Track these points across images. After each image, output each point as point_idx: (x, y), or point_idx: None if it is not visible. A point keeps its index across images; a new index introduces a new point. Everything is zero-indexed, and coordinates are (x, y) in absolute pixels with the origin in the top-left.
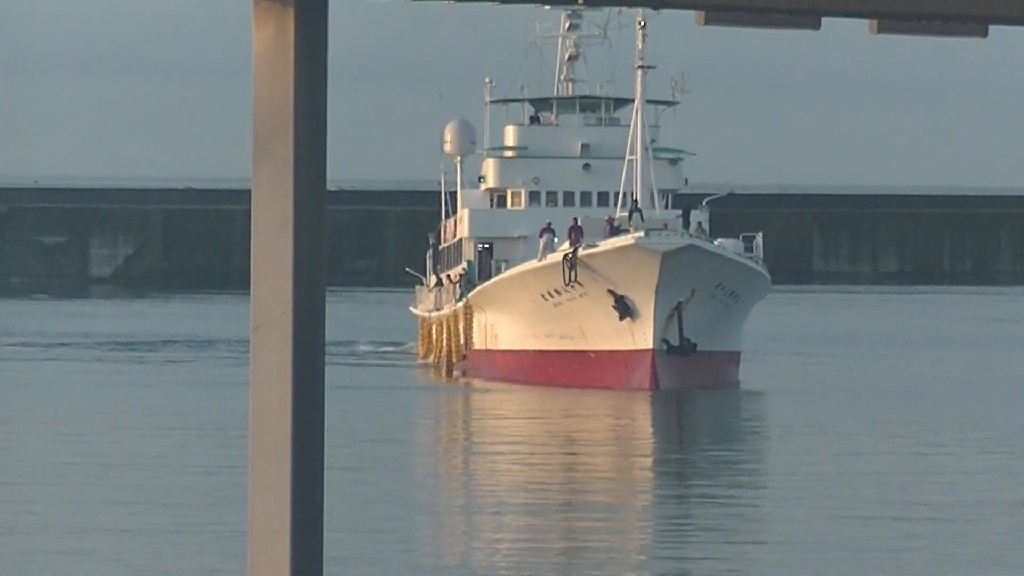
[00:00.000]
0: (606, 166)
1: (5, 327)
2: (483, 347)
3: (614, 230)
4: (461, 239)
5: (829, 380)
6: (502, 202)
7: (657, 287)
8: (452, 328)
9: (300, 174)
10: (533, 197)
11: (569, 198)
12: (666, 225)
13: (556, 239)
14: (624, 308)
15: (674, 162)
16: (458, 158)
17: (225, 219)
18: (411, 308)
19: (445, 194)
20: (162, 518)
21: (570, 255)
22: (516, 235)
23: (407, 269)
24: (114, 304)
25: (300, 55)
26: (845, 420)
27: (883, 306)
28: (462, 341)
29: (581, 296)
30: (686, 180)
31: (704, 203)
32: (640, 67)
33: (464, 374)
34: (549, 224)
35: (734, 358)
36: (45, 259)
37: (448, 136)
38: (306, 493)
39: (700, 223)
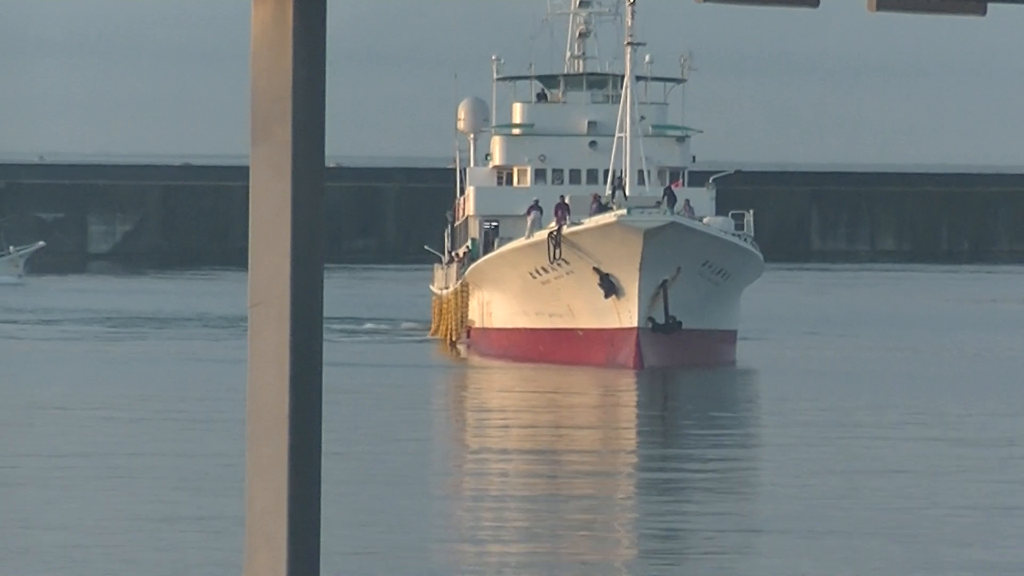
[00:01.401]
0: (613, 143)
1: (4, 303)
2: (481, 325)
3: (601, 207)
4: (467, 217)
5: (825, 360)
6: (509, 180)
7: (641, 265)
8: (454, 305)
9: (298, 155)
10: (539, 175)
11: (575, 175)
12: (658, 204)
13: (543, 216)
14: (609, 286)
15: (681, 139)
16: (471, 136)
17: (224, 195)
18: (430, 286)
19: (460, 172)
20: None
21: (555, 233)
22: (522, 213)
23: (426, 247)
24: (111, 280)
25: (298, 36)
26: (830, 396)
27: (881, 285)
28: (460, 318)
29: (568, 274)
30: (693, 158)
31: (711, 180)
32: (629, 44)
33: (468, 350)
34: (536, 202)
35: (727, 336)
36: (44, 235)
37: (462, 114)
38: (304, 472)
39: (688, 200)
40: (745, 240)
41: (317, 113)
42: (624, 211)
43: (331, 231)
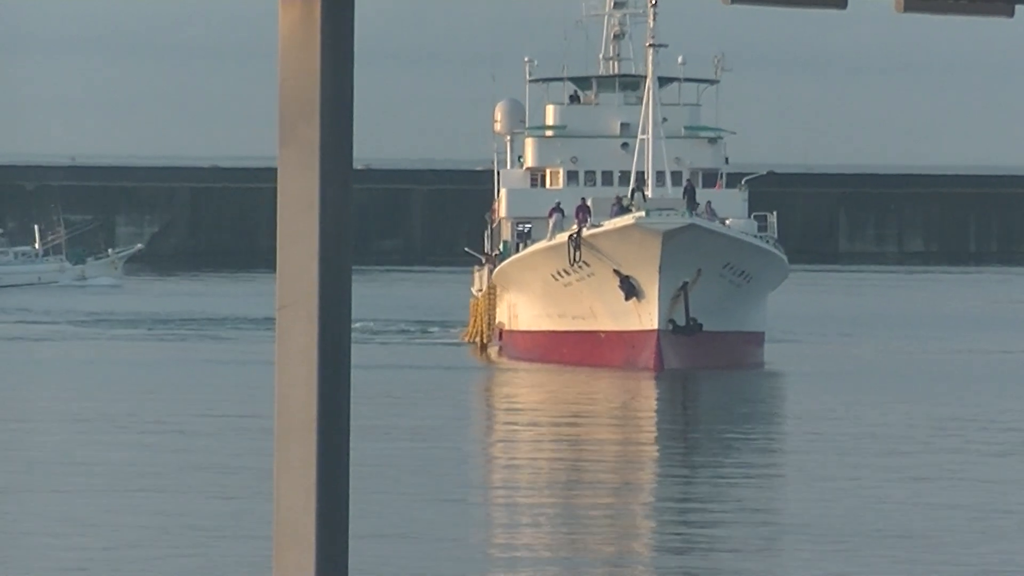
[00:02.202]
0: (648, 146)
1: (32, 304)
2: (510, 327)
3: (622, 209)
4: (500, 219)
5: (853, 361)
6: (542, 181)
7: (660, 267)
8: (483, 308)
9: (326, 156)
10: (571, 176)
11: (607, 177)
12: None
13: (564, 219)
14: (629, 288)
15: (713, 140)
16: (508, 137)
17: (252, 197)
18: (470, 288)
19: (497, 173)
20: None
21: (575, 235)
22: (567, 215)
23: (466, 249)
24: (142, 282)
25: (326, 36)
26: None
27: (908, 286)
28: (487, 321)
29: (589, 276)
30: (726, 159)
31: (744, 182)
32: (651, 45)
33: (500, 352)
34: (558, 204)
35: (753, 338)
36: (71, 237)
37: (498, 115)
38: (332, 473)
39: (709, 202)
40: (768, 242)
41: (345, 114)
42: (643, 213)
43: (358, 233)
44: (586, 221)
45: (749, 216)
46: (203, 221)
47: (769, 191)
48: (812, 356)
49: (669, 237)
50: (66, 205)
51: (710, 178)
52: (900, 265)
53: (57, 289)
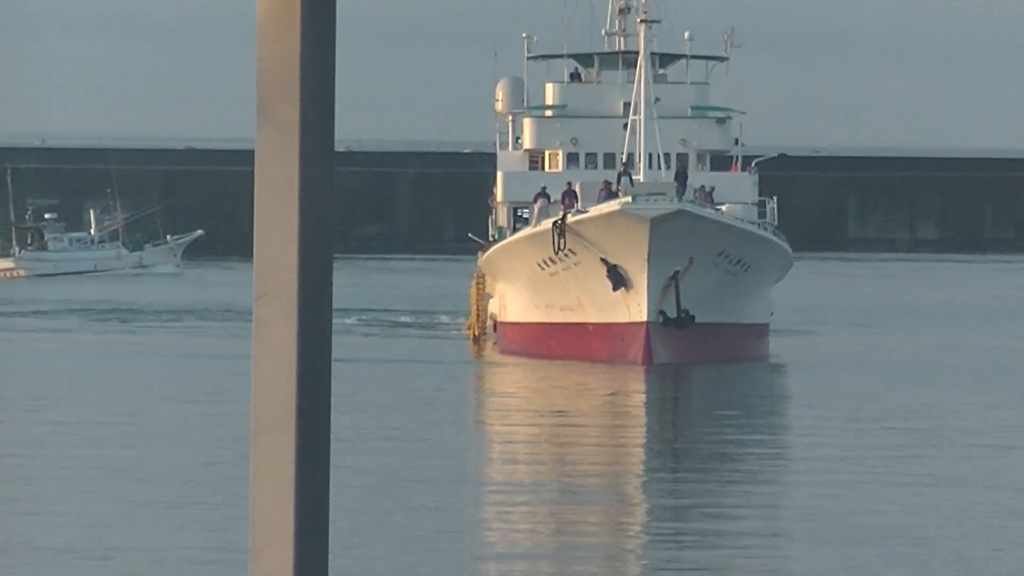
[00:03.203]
0: (653, 125)
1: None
2: (501, 318)
3: (610, 194)
4: (497, 204)
5: (860, 352)
6: (541, 164)
7: (649, 256)
8: (472, 298)
9: (306, 137)
10: (571, 159)
11: (609, 160)
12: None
13: (550, 204)
14: (617, 278)
15: (721, 121)
16: (509, 118)
17: (229, 181)
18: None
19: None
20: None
21: (559, 222)
22: (553, 200)
23: (470, 235)
24: (202, 269)
25: (307, 10)
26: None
27: (920, 275)
28: (476, 312)
29: (575, 265)
30: (736, 140)
31: (754, 164)
32: (643, 21)
33: (494, 345)
34: (544, 188)
35: (753, 331)
36: (130, 223)
37: (499, 94)
38: (312, 471)
39: (703, 186)
40: (766, 229)
41: (326, 93)
42: (628, 198)
43: (341, 219)
44: (572, 207)
45: (758, 200)
46: (177, 206)
47: (778, 175)
48: (818, 348)
49: (657, 224)
50: (32, 189)
51: (719, 160)
52: (912, 253)
53: (114, 277)
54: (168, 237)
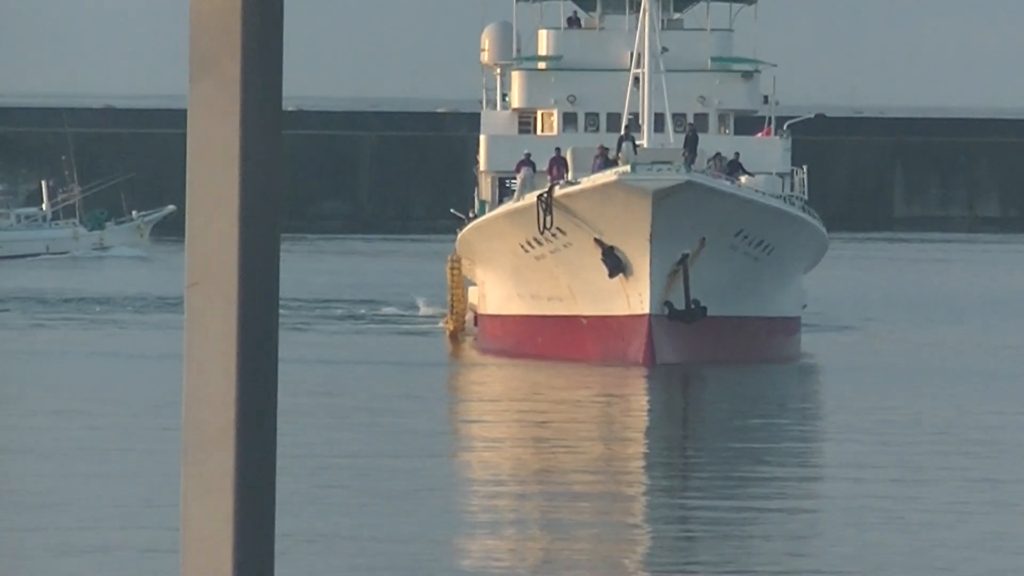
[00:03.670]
0: (665, 81)
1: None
2: (480, 310)
3: (607, 162)
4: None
5: (911, 353)
6: (533, 126)
7: (651, 236)
8: (448, 285)
9: (248, 94)
10: (568, 120)
11: (614, 121)
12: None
13: (536, 174)
14: (614, 262)
15: (748, 75)
16: (497, 71)
17: (156, 145)
18: None
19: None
20: None
21: (545, 195)
22: (539, 169)
23: (452, 211)
24: (171, 252)
25: None
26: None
27: (980, 261)
28: (451, 302)
29: (565, 247)
30: (765, 98)
31: (786, 127)
32: None
33: (475, 341)
34: (528, 155)
35: (780, 326)
36: (88, 196)
37: (486, 43)
38: (254, 491)
39: (718, 153)
40: (794, 204)
41: (273, 42)
42: (627, 168)
43: (290, 192)
44: (562, 177)
45: (791, 169)
46: (93, 175)
47: (814, 140)
48: (861, 347)
49: (661, 197)
50: None
51: (744, 122)
52: (971, 233)
53: (70, 261)
54: (134, 213)
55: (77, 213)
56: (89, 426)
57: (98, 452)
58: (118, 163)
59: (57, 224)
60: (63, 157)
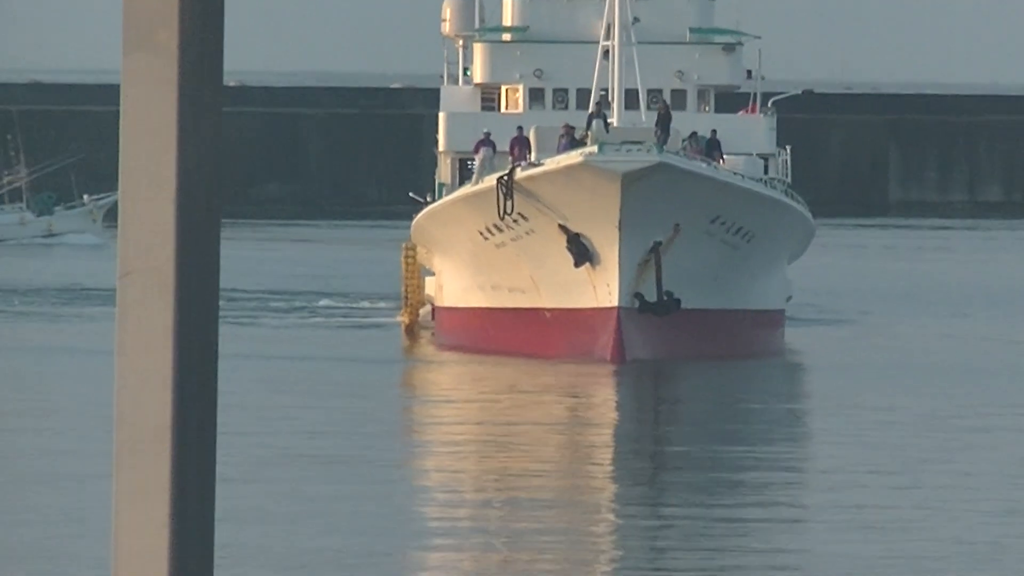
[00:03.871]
0: (639, 54)
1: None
2: (437, 302)
3: (573, 142)
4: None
5: (905, 347)
6: (497, 103)
7: (620, 222)
8: (402, 276)
9: (187, 69)
10: (535, 96)
11: (584, 98)
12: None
13: (496, 155)
14: (580, 251)
15: (730, 48)
16: (460, 43)
17: (86, 123)
18: None
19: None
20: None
21: (505, 177)
22: (500, 149)
23: (411, 195)
24: None
25: None
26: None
27: (982, 249)
28: (404, 293)
29: (527, 235)
30: (749, 72)
31: (771, 104)
32: None
33: (433, 336)
34: (487, 135)
35: (762, 319)
36: (36, 179)
37: (447, 12)
38: (192, 500)
39: (695, 133)
40: (776, 187)
41: (212, 11)
42: (594, 148)
43: (231, 173)
44: (524, 158)
45: (775, 150)
46: (36, 155)
47: (801, 118)
48: (851, 342)
49: (631, 180)
50: None
51: (726, 99)
52: (971, 219)
53: (17, 248)
54: (85, 197)
55: (24, 197)
56: (33, 428)
57: (53, 455)
58: (61, 145)
59: (2, 209)
60: (8, 136)
